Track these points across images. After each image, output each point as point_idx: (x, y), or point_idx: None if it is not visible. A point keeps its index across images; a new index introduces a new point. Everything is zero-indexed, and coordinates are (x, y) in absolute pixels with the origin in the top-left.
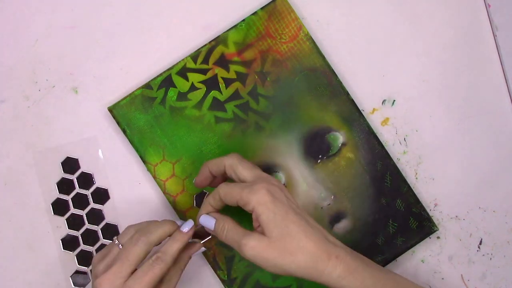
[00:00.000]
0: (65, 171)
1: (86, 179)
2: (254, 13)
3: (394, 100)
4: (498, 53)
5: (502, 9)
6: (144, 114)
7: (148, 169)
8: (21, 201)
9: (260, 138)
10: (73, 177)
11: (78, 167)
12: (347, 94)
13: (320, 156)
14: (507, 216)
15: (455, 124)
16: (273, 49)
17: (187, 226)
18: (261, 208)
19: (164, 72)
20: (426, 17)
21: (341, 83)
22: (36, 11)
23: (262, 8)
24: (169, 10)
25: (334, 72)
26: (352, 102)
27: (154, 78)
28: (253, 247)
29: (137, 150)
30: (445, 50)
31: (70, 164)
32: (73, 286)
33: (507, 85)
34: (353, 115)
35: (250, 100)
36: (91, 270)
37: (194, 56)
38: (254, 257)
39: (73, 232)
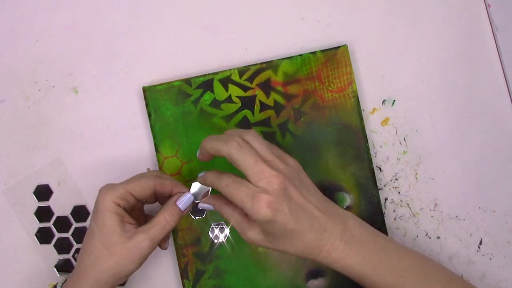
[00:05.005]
0: (39, 199)
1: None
2: (313, 53)
3: (394, 100)
4: (498, 53)
5: (502, 9)
6: (174, 106)
7: (158, 159)
8: (20, 201)
9: None
10: (48, 204)
11: (51, 192)
12: (370, 162)
13: None
14: (507, 216)
15: (455, 124)
16: (318, 93)
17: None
18: (264, 224)
19: (208, 74)
20: (426, 17)
21: (368, 149)
22: (36, 11)
23: (322, 51)
24: (170, 9)
25: (366, 137)
26: (372, 171)
27: (196, 77)
28: (251, 239)
29: (154, 137)
30: (445, 50)
31: (43, 192)
32: None
33: (507, 85)
34: (368, 184)
35: (278, 132)
36: None
37: (241, 71)
38: (251, 243)
39: (63, 256)
